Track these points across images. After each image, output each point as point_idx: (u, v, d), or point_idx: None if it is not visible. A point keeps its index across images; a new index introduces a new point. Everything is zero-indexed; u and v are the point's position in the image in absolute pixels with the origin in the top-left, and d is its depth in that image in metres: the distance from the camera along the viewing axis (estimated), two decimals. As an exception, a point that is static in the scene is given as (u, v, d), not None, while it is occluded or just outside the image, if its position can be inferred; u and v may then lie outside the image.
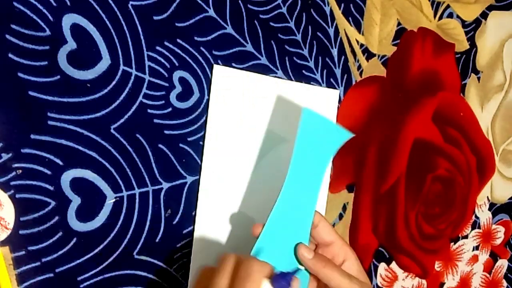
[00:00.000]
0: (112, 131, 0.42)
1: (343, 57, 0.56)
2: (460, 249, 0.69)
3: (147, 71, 0.44)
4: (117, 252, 0.43)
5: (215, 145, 0.47)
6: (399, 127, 0.61)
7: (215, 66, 0.46)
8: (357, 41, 0.57)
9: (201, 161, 0.47)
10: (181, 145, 0.46)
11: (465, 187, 0.68)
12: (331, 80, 0.55)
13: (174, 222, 0.46)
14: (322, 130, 0.43)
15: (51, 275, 0.40)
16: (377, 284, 0.61)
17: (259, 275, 0.37)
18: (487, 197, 0.72)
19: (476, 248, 0.72)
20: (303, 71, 0.53)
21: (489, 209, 0.72)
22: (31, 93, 0.38)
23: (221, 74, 0.46)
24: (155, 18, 0.44)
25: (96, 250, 0.42)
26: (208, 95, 0.47)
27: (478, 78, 0.68)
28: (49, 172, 0.39)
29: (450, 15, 0.64)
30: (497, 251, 0.74)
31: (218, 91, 0.47)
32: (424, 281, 0.66)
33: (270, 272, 0.38)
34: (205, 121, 0.47)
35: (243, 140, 0.48)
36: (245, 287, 0.36)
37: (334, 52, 0.55)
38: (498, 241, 0.74)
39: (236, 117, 0.48)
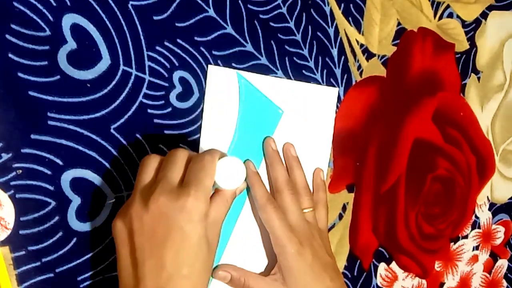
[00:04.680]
0: (112, 131, 0.42)
1: (343, 57, 0.56)
2: (460, 249, 0.69)
3: (147, 71, 0.44)
4: (117, 252, 0.43)
5: (211, 145, 0.47)
6: (399, 127, 0.61)
7: (209, 66, 0.46)
8: (357, 41, 0.57)
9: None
10: (181, 145, 0.46)
11: (465, 187, 0.68)
12: (331, 80, 0.55)
13: (174, 222, 0.46)
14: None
15: (51, 275, 0.40)
16: (377, 284, 0.61)
17: (212, 165, 0.38)
18: (487, 197, 0.72)
19: (476, 248, 0.72)
20: (303, 71, 0.53)
21: (489, 209, 0.72)
22: (31, 93, 0.38)
23: (217, 75, 0.46)
24: (155, 18, 0.44)
25: (96, 250, 0.42)
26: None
27: (478, 78, 0.68)
28: (49, 172, 0.39)
29: (450, 15, 0.64)
30: (497, 251, 0.74)
31: (213, 92, 0.46)
32: (424, 281, 0.66)
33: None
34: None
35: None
36: (200, 178, 0.36)
37: (334, 52, 0.55)
38: (498, 241, 0.74)
39: (232, 118, 0.48)
